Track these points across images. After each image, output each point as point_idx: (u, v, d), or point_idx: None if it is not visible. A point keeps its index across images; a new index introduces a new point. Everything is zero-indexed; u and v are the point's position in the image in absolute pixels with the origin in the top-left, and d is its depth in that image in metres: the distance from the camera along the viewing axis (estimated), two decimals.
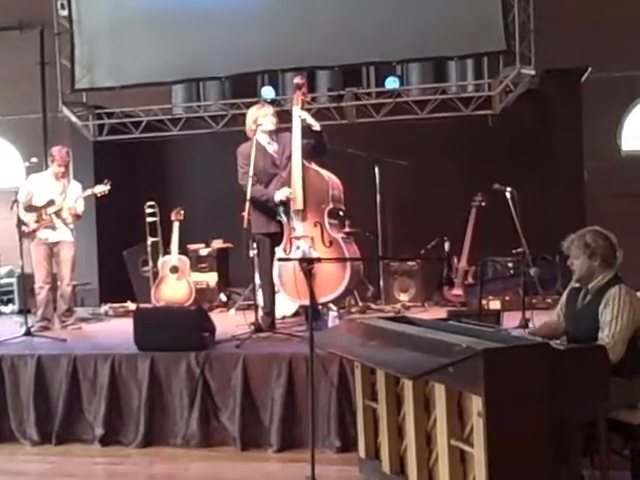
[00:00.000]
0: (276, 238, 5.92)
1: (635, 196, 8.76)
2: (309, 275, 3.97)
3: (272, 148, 5.97)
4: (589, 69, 8.20)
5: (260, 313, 5.95)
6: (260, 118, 5.87)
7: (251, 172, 5.61)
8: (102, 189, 6.87)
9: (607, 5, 8.73)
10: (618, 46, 8.67)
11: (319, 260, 4.55)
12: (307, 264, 4.00)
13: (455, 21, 7.85)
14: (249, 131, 5.96)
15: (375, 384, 4.07)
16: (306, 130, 5.89)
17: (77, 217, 6.96)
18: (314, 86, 8.92)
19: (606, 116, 8.99)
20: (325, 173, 5.94)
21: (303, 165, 5.84)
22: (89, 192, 6.93)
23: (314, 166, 5.93)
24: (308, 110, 6.18)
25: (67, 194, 6.88)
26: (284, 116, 6.11)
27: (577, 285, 3.95)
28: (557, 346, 3.34)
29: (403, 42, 8.05)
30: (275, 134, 5.99)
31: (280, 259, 5.76)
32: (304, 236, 5.81)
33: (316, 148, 5.90)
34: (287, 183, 5.83)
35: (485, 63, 8.72)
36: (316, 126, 5.85)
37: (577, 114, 8.22)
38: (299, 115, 5.85)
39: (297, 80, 6.12)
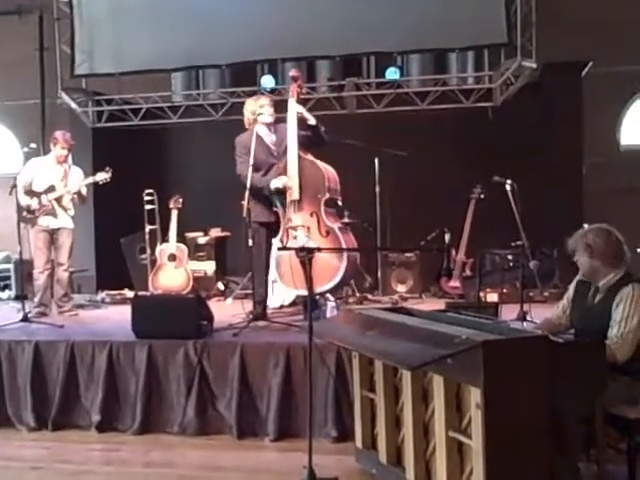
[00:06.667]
0: (272, 228, 5.92)
1: (633, 191, 8.78)
2: (307, 264, 3.96)
3: (270, 139, 5.96)
4: (590, 63, 8.19)
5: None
6: (258, 109, 5.88)
7: (251, 161, 5.61)
8: (103, 177, 6.84)
9: None
10: (619, 40, 8.67)
11: (318, 250, 4.53)
12: (305, 253, 3.98)
13: (457, 13, 7.83)
14: (247, 122, 5.96)
15: (373, 374, 4.07)
16: (302, 123, 5.88)
17: (82, 199, 6.94)
18: (314, 76, 8.92)
19: (606, 111, 9.00)
20: (321, 164, 5.93)
21: (299, 156, 5.83)
22: (90, 180, 6.91)
23: (310, 157, 5.93)
24: (306, 100, 6.19)
25: (68, 180, 6.86)
26: (283, 106, 6.09)
27: (585, 279, 3.93)
28: (556, 339, 3.34)
29: (404, 33, 8.02)
30: (273, 125, 5.99)
31: (280, 248, 5.76)
32: (301, 226, 5.80)
33: (313, 140, 5.91)
34: (283, 173, 5.83)
35: (486, 55, 8.72)
36: (311, 120, 5.86)
37: (578, 108, 8.22)
38: (296, 110, 5.85)
39: (292, 73, 6.12)
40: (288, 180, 5.77)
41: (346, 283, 6.67)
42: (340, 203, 6.20)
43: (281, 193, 5.83)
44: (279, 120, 6.02)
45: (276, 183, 5.78)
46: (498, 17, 7.79)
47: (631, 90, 9.33)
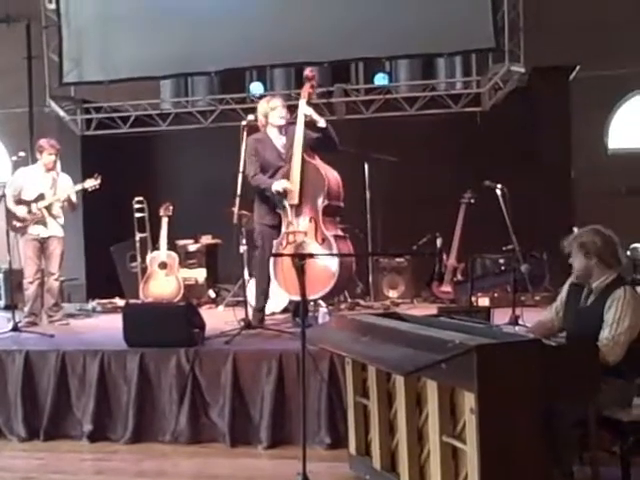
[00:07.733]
0: (276, 230, 5.91)
1: (621, 194, 8.82)
2: (301, 271, 3.94)
3: (280, 141, 5.94)
4: (577, 67, 8.23)
5: (250, 309, 5.93)
6: (269, 111, 5.87)
7: (241, 167, 5.59)
8: (92, 183, 6.82)
9: (596, 3, 8.79)
10: (606, 44, 8.72)
11: (310, 256, 4.52)
12: (299, 259, 3.96)
13: (444, 18, 7.85)
14: (260, 124, 5.95)
15: (366, 380, 4.06)
16: (312, 125, 5.86)
17: (72, 206, 6.92)
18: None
19: (593, 115, 9.04)
20: (324, 169, 5.86)
21: (304, 159, 5.80)
22: (79, 187, 6.88)
23: (316, 161, 5.87)
24: (296, 107, 6.14)
25: (57, 187, 6.84)
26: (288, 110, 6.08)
27: (579, 281, 3.94)
28: (549, 342, 3.35)
29: (392, 38, 8.04)
30: (285, 127, 5.96)
31: (273, 254, 5.73)
32: (299, 231, 5.79)
33: (324, 143, 5.86)
34: (287, 176, 5.81)
35: (474, 60, 8.74)
36: (321, 122, 5.81)
37: (565, 112, 8.27)
38: (304, 112, 5.82)
39: (307, 72, 6.05)
40: (288, 184, 5.76)
41: (340, 291, 6.63)
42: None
43: (284, 196, 5.82)
44: (291, 123, 5.99)
45: (277, 186, 5.75)
46: (486, 22, 7.82)
47: (618, 94, 9.38)
